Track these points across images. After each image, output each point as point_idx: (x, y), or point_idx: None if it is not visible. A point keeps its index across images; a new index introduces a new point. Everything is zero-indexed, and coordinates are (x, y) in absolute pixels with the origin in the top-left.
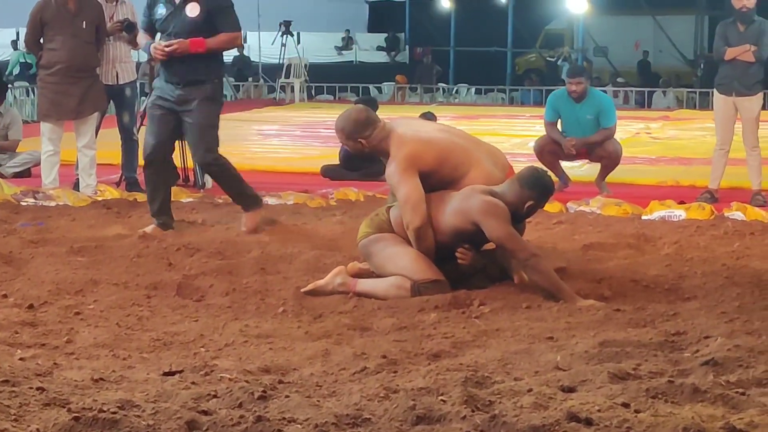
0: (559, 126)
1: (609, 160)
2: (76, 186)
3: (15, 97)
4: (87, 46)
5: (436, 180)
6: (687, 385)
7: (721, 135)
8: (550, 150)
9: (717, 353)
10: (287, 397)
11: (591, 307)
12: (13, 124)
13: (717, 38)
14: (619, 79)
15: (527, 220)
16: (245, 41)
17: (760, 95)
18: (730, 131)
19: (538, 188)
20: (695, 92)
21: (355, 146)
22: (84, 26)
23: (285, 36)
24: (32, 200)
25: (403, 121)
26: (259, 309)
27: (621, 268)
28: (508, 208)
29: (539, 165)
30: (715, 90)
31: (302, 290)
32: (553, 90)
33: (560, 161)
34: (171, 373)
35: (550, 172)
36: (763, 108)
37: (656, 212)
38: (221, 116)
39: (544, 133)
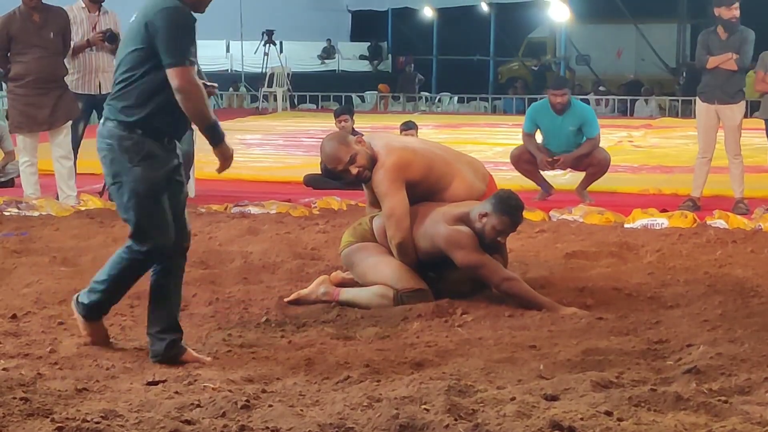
0: (539, 137)
1: (598, 167)
2: (59, 196)
3: None
4: (55, 56)
5: (422, 190)
6: (669, 393)
7: (703, 143)
8: (527, 159)
9: (699, 361)
10: (270, 406)
11: (574, 315)
12: (3, 136)
13: (699, 47)
14: (601, 88)
15: (507, 240)
16: (228, 50)
17: (743, 103)
18: (713, 139)
19: (494, 199)
20: (677, 100)
21: (360, 150)
22: (51, 36)
23: (268, 45)
24: (15, 210)
25: (380, 134)
26: (243, 318)
27: (603, 277)
28: (474, 233)
29: (511, 174)
30: (697, 98)
31: (285, 300)
32: (535, 98)
33: (541, 171)
34: (154, 383)
35: (529, 181)
36: (745, 116)
37: (639, 220)
38: None
39: (521, 142)
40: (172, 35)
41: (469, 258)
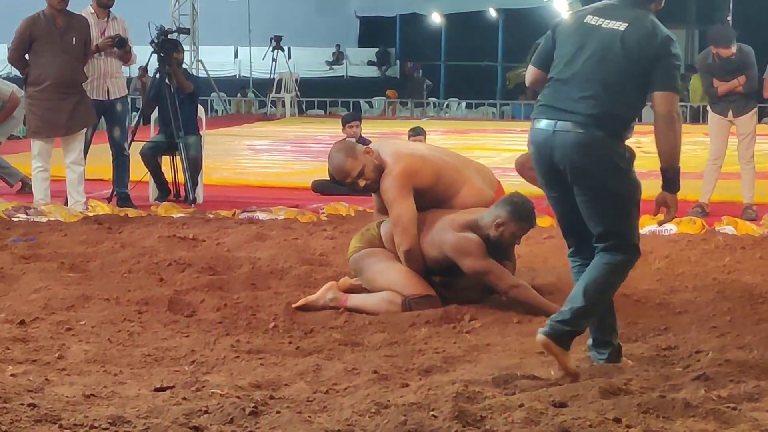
0: None
1: None
2: (68, 202)
3: None
4: (76, 62)
5: (430, 197)
6: (678, 400)
7: (715, 149)
8: (531, 166)
9: (708, 368)
10: (278, 412)
11: None
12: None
13: (702, 76)
14: None
15: (516, 246)
16: (236, 56)
17: (755, 110)
18: (725, 145)
19: (509, 206)
20: (686, 106)
21: (368, 162)
22: (73, 42)
23: (276, 51)
24: (24, 216)
25: (388, 140)
26: (250, 324)
27: None
28: (481, 238)
29: (519, 180)
30: (709, 109)
31: (293, 305)
32: None
33: None
34: (162, 389)
35: (535, 188)
36: (759, 122)
37: (647, 226)
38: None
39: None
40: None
41: (476, 265)
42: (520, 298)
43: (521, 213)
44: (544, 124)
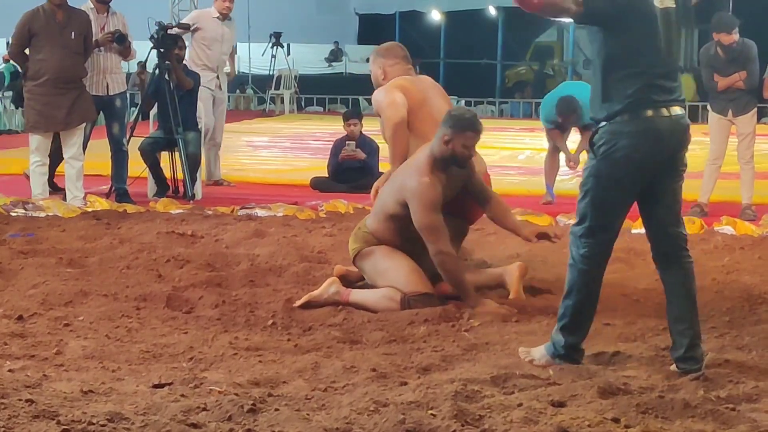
0: None
1: None
2: (66, 197)
3: (5, 107)
4: (75, 57)
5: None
6: (677, 401)
7: (715, 149)
8: (557, 165)
9: (707, 368)
10: (277, 410)
11: (489, 312)
12: None
13: (703, 69)
14: None
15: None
16: (236, 53)
17: (755, 110)
18: (725, 145)
19: (450, 120)
20: (685, 105)
21: (376, 72)
22: (72, 37)
23: (275, 47)
24: (22, 211)
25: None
26: (249, 321)
27: (610, 283)
28: (442, 165)
29: (518, 178)
30: (709, 108)
31: (296, 304)
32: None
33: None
34: (160, 386)
35: (534, 186)
36: (758, 122)
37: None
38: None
39: (528, 147)
40: None
41: (425, 215)
42: (445, 267)
43: (463, 122)
44: (667, 111)
